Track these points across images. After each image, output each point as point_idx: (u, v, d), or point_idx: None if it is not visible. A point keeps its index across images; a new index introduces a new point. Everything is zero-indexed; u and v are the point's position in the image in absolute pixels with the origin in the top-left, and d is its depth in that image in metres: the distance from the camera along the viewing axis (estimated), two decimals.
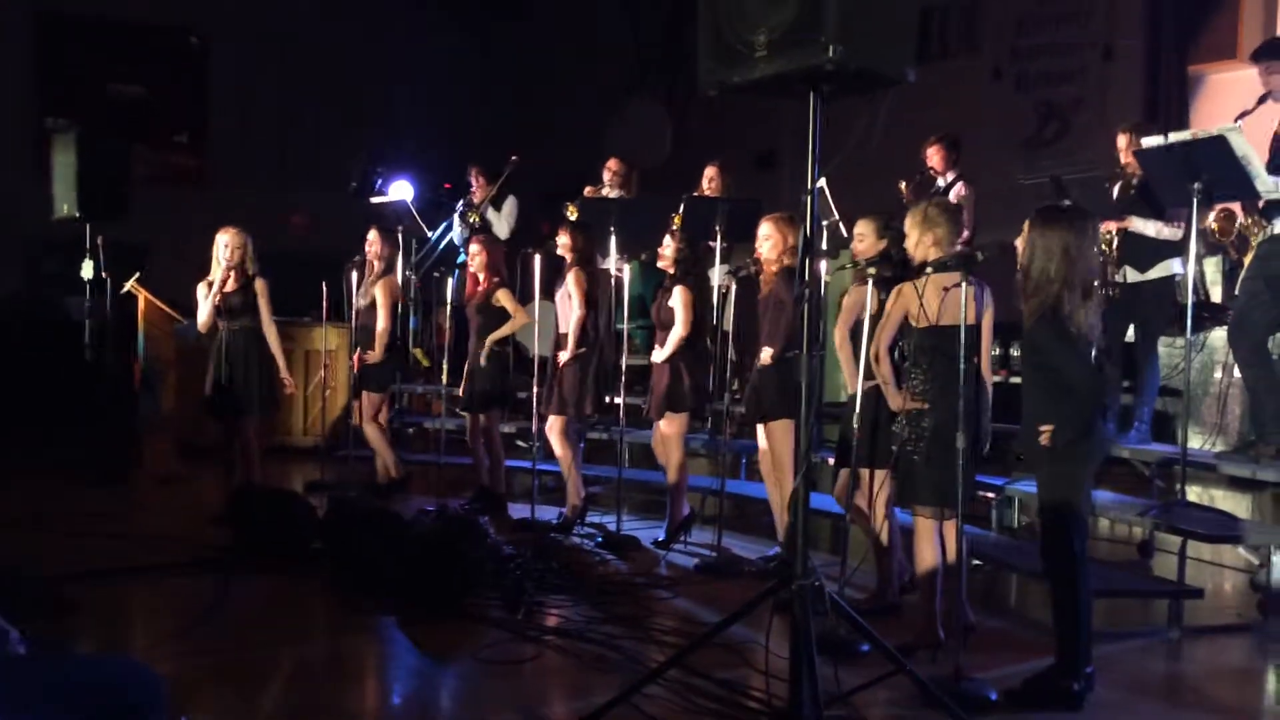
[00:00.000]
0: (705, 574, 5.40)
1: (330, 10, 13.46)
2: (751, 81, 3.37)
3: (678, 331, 5.81)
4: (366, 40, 13.66)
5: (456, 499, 6.67)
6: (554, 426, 6.29)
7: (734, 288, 5.76)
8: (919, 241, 4.18)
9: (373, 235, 7.14)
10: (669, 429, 5.92)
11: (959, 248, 4.44)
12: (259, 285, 6.30)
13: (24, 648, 2.36)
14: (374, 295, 6.97)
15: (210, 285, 6.29)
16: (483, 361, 6.59)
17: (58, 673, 2.29)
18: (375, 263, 7.06)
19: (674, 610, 4.81)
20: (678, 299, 5.83)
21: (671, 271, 5.93)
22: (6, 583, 4.41)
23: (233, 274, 6.27)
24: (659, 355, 5.85)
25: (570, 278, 6.24)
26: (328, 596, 5.02)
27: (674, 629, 4.45)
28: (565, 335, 6.25)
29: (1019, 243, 3.79)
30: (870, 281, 4.51)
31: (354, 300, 7.18)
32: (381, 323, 6.93)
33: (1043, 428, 3.67)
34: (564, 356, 6.18)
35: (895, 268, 4.53)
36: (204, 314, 6.32)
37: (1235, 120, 5.22)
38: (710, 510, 6.33)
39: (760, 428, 5.38)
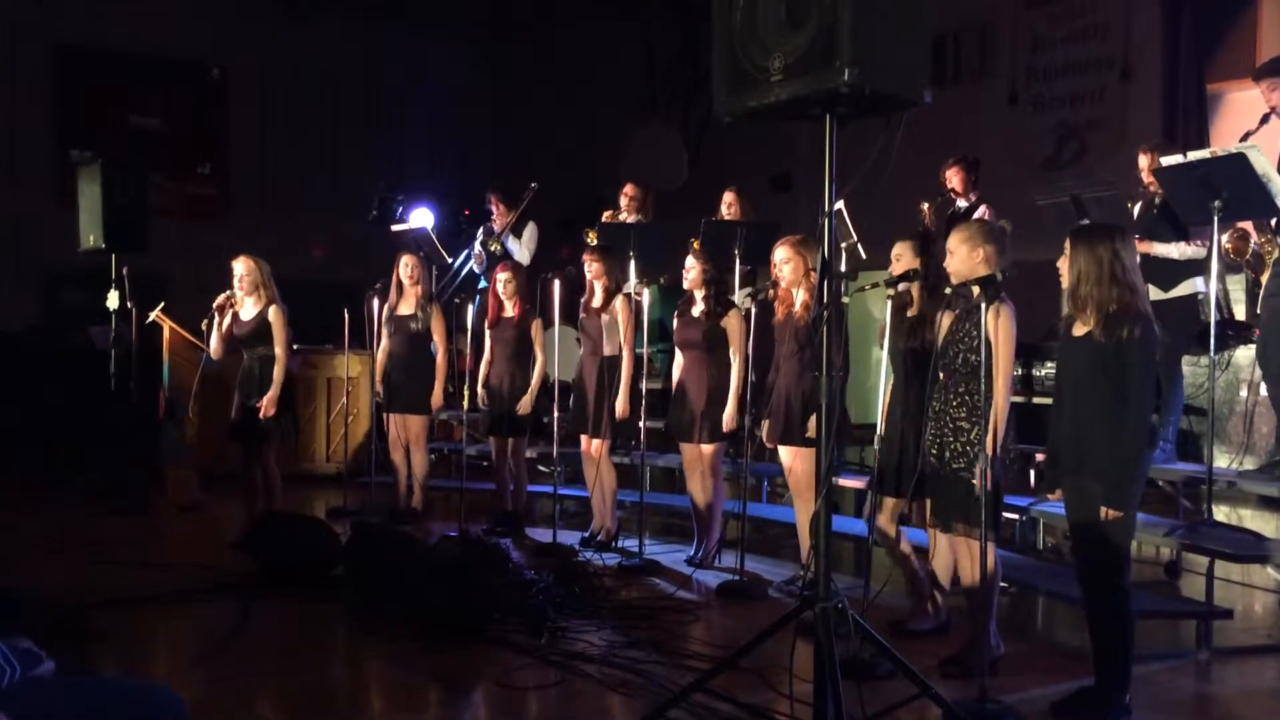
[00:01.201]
0: (728, 597, 5.39)
1: (347, 40, 13.61)
2: (767, 106, 3.38)
3: (739, 360, 5.79)
4: (383, 69, 13.80)
5: (478, 524, 6.67)
6: (601, 450, 6.31)
7: (754, 311, 5.78)
8: (967, 258, 4.15)
9: (409, 258, 7.18)
10: (709, 452, 5.93)
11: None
12: (273, 313, 6.29)
13: (53, 671, 2.37)
14: (419, 317, 7.04)
15: (226, 313, 6.36)
16: (528, 408, 6.63)
17: (84, 696, 2.30)
18: (410, 285, 7.10)
19: (697, 633, 4.79)
20: (734, 326, 5.84)
21: (703, 292, 5.93)
22: (33, 608, 4.44)
23: (248, 301, 6.32)
24: (733, 390, 5.78)
25: (620, 307, 6.26)
26: (349, 622, 5.02)
27: (697, 652, 4.43)
28: (609, 359, 6.26)
29: (1061, 264, 3.78)
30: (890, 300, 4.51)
31: (378, 320, 7.21)
32: (441, 353, 7.02)
33: (1110, 508, 3.61)
34: (622, 386, 6.18)
35: (925, 285, 4.54)
36: (214, 341, 6.38)
37: (1240, 140, 5.21)
38: (733, 533, 6.30)
39: (787, 450, 5.37)
